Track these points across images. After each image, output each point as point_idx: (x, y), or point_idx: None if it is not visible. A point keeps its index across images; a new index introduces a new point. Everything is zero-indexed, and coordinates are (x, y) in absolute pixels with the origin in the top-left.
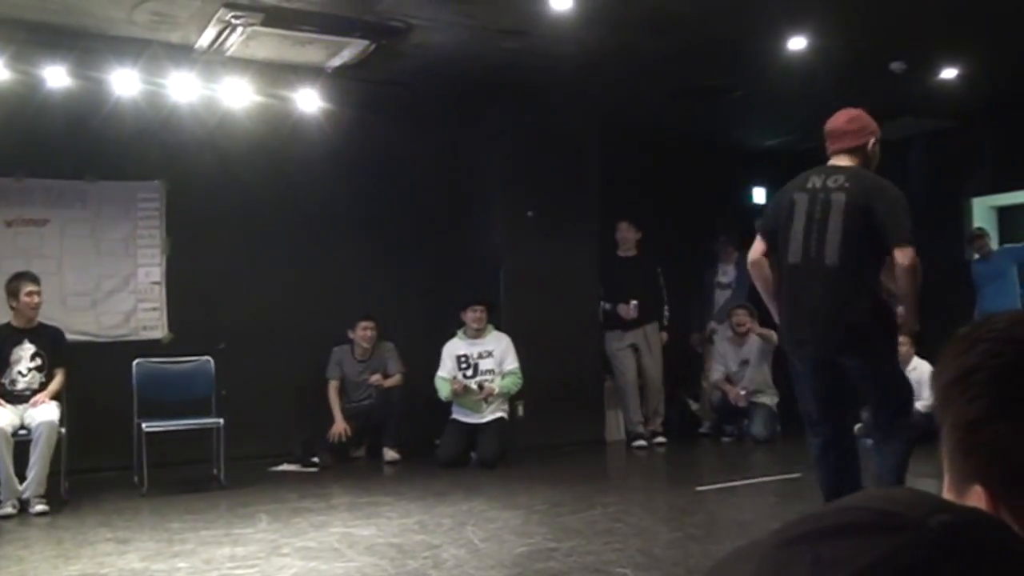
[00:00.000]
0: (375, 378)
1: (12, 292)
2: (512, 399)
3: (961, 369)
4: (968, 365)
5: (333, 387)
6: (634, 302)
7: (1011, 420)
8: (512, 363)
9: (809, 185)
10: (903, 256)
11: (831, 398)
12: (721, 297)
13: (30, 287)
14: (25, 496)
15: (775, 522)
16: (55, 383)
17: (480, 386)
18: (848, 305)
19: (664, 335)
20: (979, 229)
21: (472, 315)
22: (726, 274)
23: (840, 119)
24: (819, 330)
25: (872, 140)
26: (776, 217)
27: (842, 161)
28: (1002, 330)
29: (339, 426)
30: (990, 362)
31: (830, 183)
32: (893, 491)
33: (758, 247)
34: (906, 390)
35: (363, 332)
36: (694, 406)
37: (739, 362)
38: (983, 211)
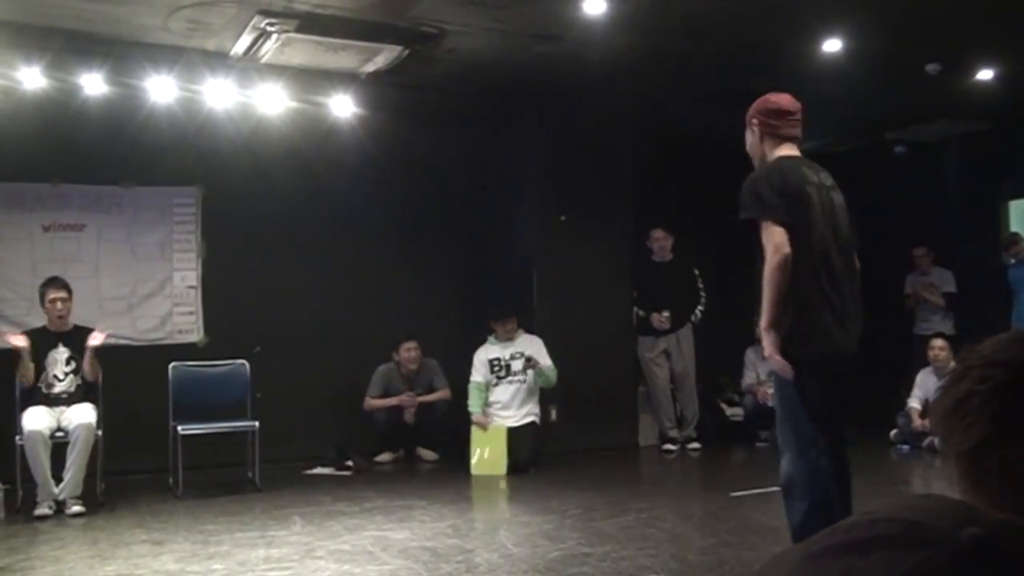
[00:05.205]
0: (414, 398)
1: (40, 297)
2: (545, 403)
3: (955, 398)
4: (961, 393)
5: (373, 400)
6: (666, 313)
7: (1013, 443)
8: (545, 360)
9: (810, 179)
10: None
11: (847, 398)
12: None
13: (54, 294)
14: (61, 497)
15: None
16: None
17: (528, 359)
18: (857, 305)
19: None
20: (1015, 234)
21: (503, 328)
22: None
23: (795, 103)
24: (850, 328)
25: None
26: (790, 211)
27: (797, 151)
28: (988, 355)
29: (403, 399)
30: (981, 387)
31: (823, 180)
32: (925, 501)
33: (787, 238)
34: None
35: (408, 353)
36: (728, 411)
37: (768, 371)
38: (1021, 215)
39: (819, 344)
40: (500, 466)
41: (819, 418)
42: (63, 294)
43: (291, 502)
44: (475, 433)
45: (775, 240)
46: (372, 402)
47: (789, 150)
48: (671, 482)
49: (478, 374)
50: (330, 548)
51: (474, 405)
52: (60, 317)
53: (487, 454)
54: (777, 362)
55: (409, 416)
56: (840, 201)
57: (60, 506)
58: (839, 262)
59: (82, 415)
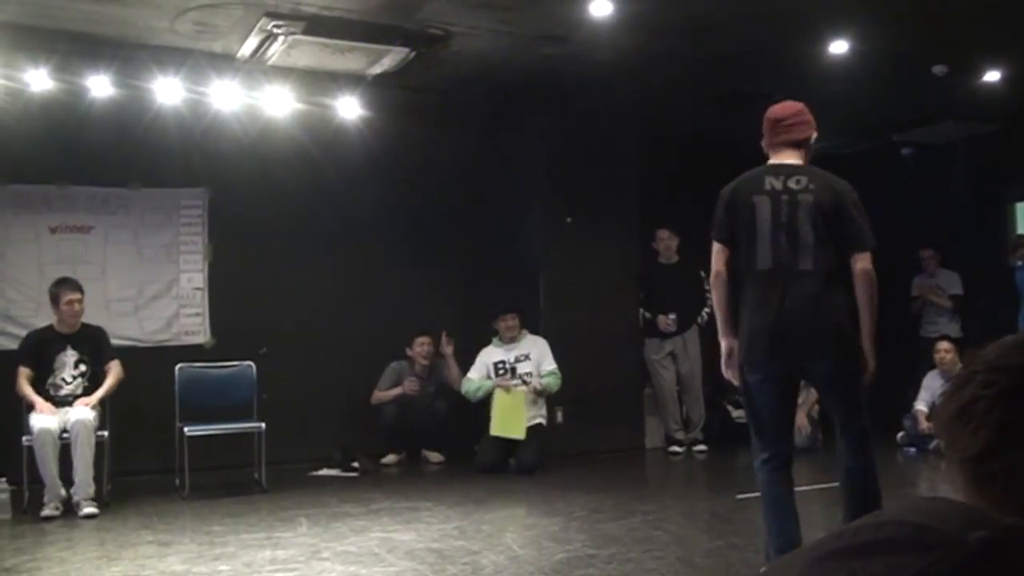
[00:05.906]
0: (415, 383)
1: (53, 298)
2: (551, 405)
3: (960, 403)
4: (966, 398)
5: (379, 392)
6: (672, 316)
7: (1018, 447)
8: (550, 364)
9: (767, 187)
10: (864, 261)
11: (790, 412)
12: None
13: (70, 295)
14: (76, 499)
15: (817, 531)
16: (113, 375)
17: (539, 392)
18: (826, 307)
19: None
20: (1022, 236)
21: (504, 324)
22: None
23: (788, 108)
24: (798, 334)
25: (815, 135)
26: (733, 223)
27: (790, 158)
28: (992, 359)
29: (407, 385)
30: (986, 392)
31: (792, 184)
32: (932, 504)
33: (722, 256)
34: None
35: (421, 348)
36: (734, 413)
37: None
38: None
39: (751, 355)
40: (520, 428)
41: (757, 429)
42: (78, 295)
43: (297, 503)
44: (498, 395)
45: (713, 258)
46: (378, 394)
47: (783, 156)
48: (677, 484)
49: (474, 371)
50: (336, 550)
51: (472, 394)
52: (75, 317)
53: (508, 416)
54: (725, 370)
55: (410, 387)
56: (808, 203)
57: (75, 507)
58: (788, 269)
59: (78, 412)
